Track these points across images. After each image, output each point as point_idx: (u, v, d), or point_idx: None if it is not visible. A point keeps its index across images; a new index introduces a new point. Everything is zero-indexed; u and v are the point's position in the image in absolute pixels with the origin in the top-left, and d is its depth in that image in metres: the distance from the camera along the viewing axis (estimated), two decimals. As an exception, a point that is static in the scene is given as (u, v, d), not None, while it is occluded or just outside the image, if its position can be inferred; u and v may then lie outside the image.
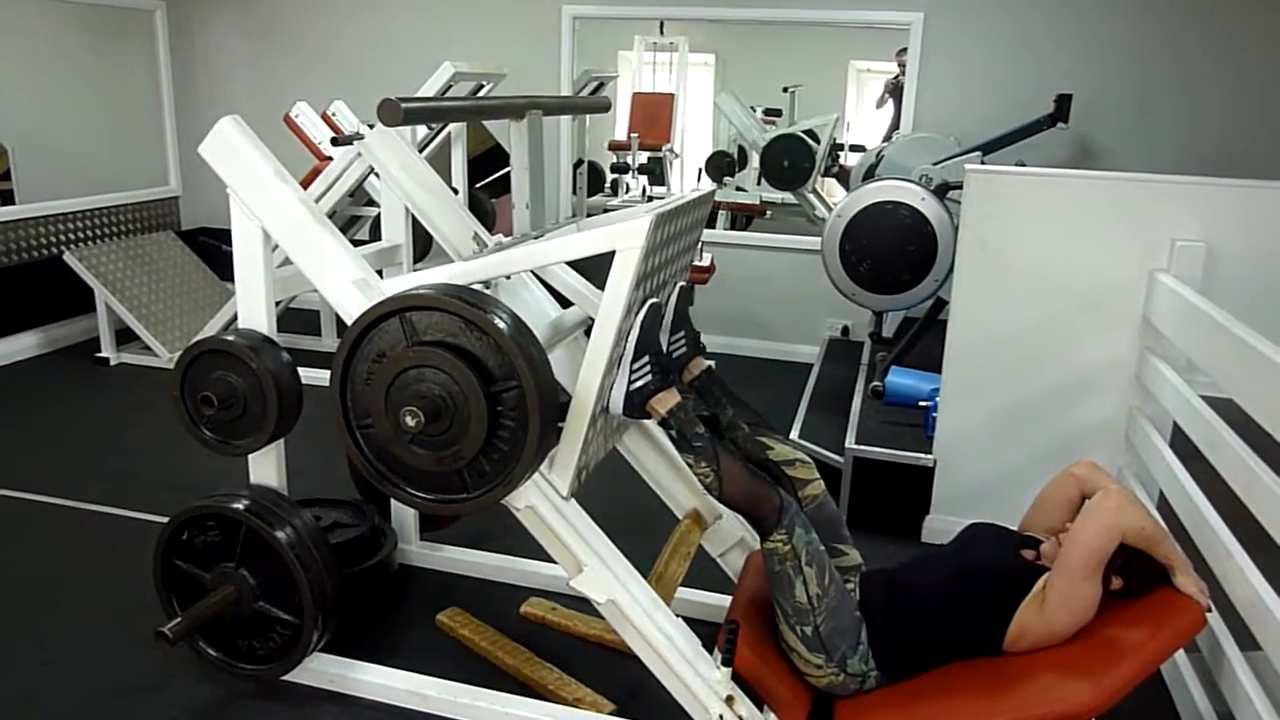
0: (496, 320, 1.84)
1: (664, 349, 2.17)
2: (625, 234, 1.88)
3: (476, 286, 2.03)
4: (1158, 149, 4.62)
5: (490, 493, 1.95)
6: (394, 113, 1.95)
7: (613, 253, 1.90)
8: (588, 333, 2.51)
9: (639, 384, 2.04)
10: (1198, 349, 2.41)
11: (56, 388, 4.62)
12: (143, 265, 5.11)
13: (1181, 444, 2.46)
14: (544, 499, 2.04)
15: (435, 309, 1.87)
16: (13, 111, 5.02)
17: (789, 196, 5.99)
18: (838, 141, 6.03)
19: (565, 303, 2.63)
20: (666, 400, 2.05)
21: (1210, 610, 1.92)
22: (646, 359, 2.04)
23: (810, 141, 5.79)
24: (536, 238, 2.40)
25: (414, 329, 1.89)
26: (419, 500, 2.02)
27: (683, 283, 2.30)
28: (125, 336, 4.95)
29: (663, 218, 1.94)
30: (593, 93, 5.91)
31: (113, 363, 4.90)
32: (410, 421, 1.85)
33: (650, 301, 2.04)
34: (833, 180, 6.15)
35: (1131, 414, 2.91)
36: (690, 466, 2.06)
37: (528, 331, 1.91)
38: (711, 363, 2.36)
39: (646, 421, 2.37)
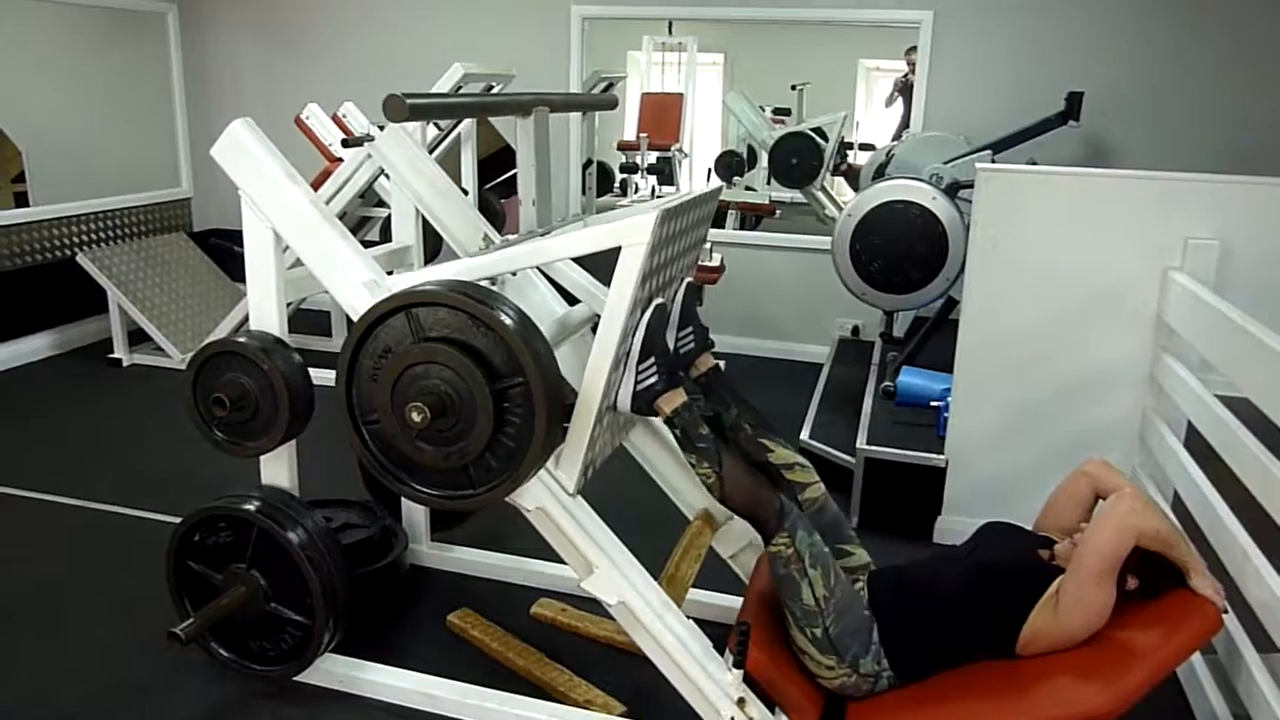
0: (502, 316, 1.84)
1: (671, 347, 2.17)
2: (631, 230, 1.87)
3: (483, 283, 2.03)
4: (1170, 146, 4.59)
5: (496, 489, 1.95)
6: (400, 108, 1.95)
7: (618, 249, 1.90)
8: (594, 329, 2.51)
9: (646, 383, 2.04)
10: (1212, 348, 2.39)
11: (69, 389, 4.64)
12: (155, 267, 5.14)
13: (1196, 444, 2.45)
14: (551, 496, 2.03)
15: (441, 305, 1.87)
16: (27, 115, 5.05)
17: (798, 196, 5.97)
18: (846, 140, 6.01)
19: (572, 300, 2.63)
20: (673, 399, 2.05)
21: (1226, 612, 1.90)
22: (653, 359, 2.04)
23: (818, 139, 5.77)
24: (543, 234, 2.40)
25: (420, 325, 1.89)
26: (425, 495, 2.02)
27: (690, 279, 2.30)
28: (138, 337, 4.97)
29: (668, 213, 1.94)
30: (602, 92, 5.91)
31: (125, 364, 4.93)
32: (416, 417, 1.85)
33: (656, 302, 2.04)
34: (841, 179, 6.13)
35: (1145, 414, 2.89)
36: (693, 466, 2.06)
37: (533, 327, 1.90)
38: (721, 362, 2.36)
39: (655, 421, 2.37)
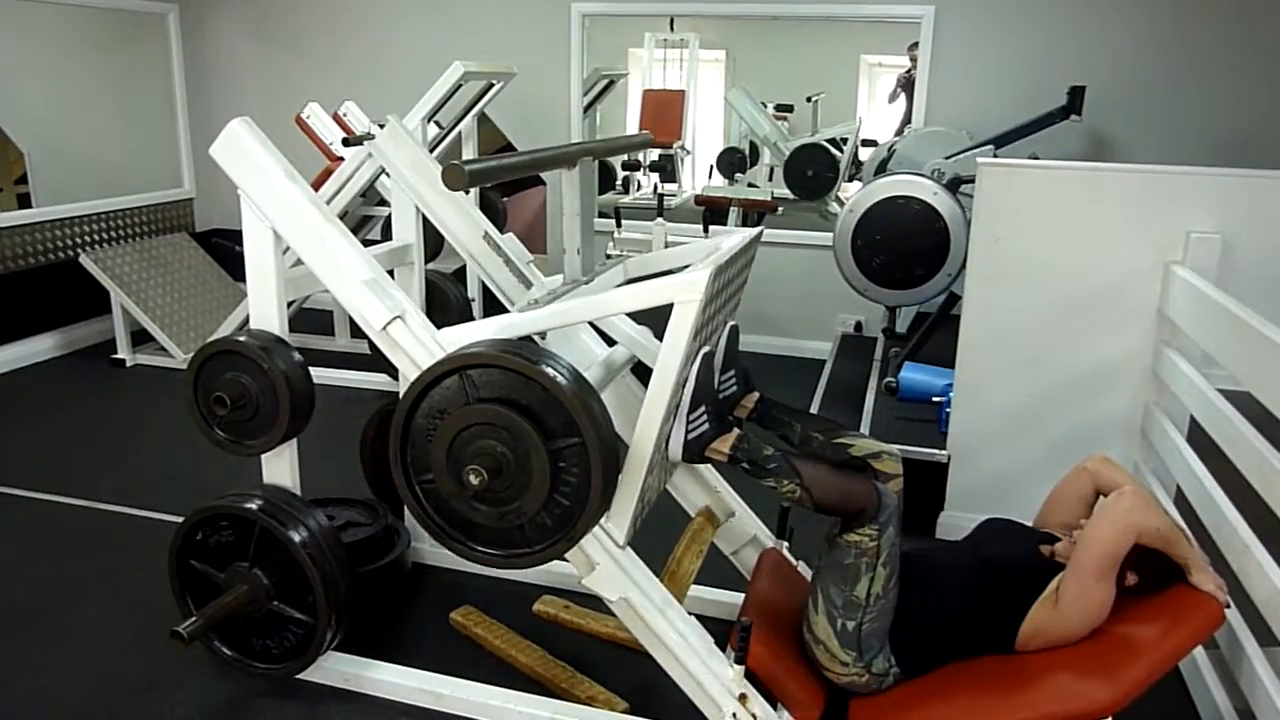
0: (558, 376, 1.82)
1: (717, 392, 2.15)
2: (684, 287, 1.84)
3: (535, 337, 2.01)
4: (1172, 140, 4.57)
5: (553, 547, 1.93)
6: (459, 178, 1.89)
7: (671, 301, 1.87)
8: (634, 370, 2.50)
9: (697, 433, 2.01)
10: (1214, 342, 2.38)
11: (73, 389, 4.65)
12: (158, 267, 5.15)
13: (1199, 439, 2.44)
14: (600, 549, 2.01)
15: (495, 366, 1.85)
16: (30, 116, 5.06)
17: (801, 191, 5.97)
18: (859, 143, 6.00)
19: (607, 338, 2.62)
20: (726, 440, 2.03)
21: (1229, 606, 1.90)
22: (703, 408, 2.01)
23: (834, 151, 5.75)
24: (586, 282, 2.39)
25: (475, 385, 1.88)
26: (481, 555, 1.99)
27: (733, 323, 2.29)
28: (141, 338, 4.98)
29: (720, 269, 1.92)
30: (603, 90, 5.92)
31: (129, 364, 4.94)
32: (474, 480, 1.84)
33: (703, 351, 2.01)
34: (850, 183, 6.12)
35: (1147, 409, 2.89)
36: (773, 490, 2.01)
37: (586, 384, 1.89)
38: (762, 394, 2.34)
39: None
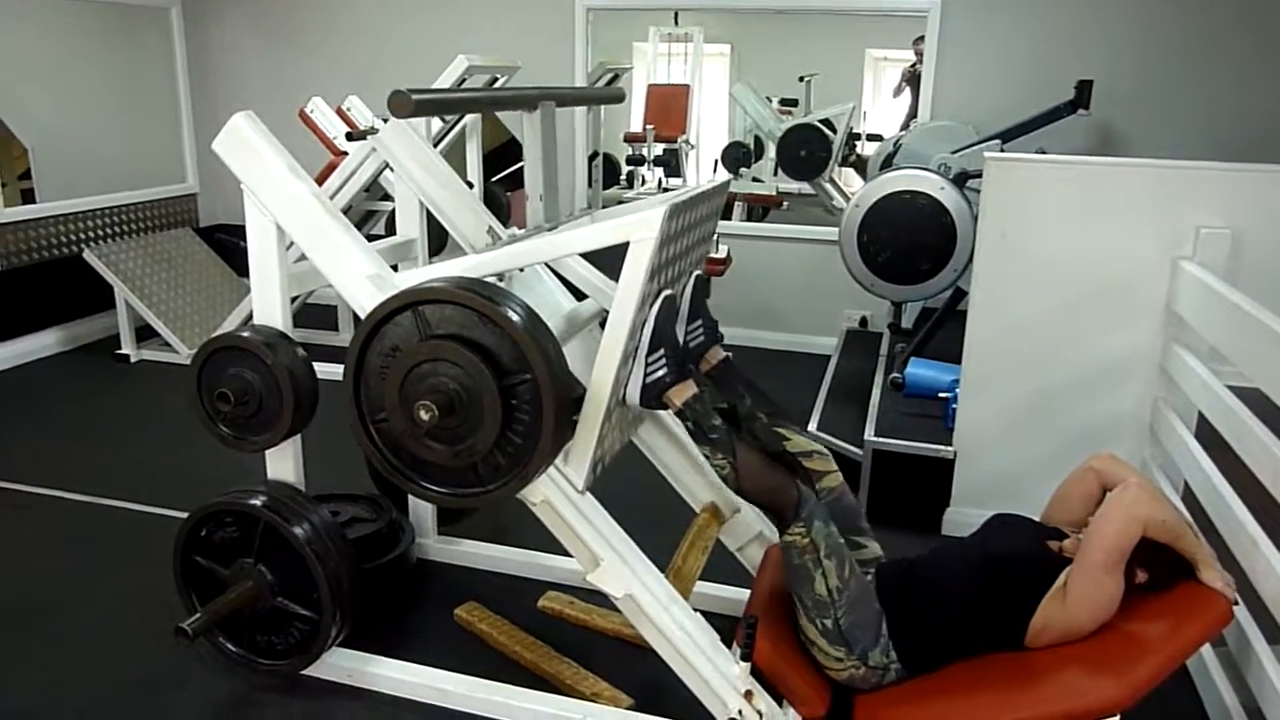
0: (510, 313, 1.83)
1: (680, 340, 2.15)
2: (639, 225, 1.86)
3: (491, 279, 2.02)
4: (1181, 135, 4.55)
5: (505, 486, 1.94)
6: (405, 104, 1.94)
7: (626, 244, 1.88)
8: (602, 325, 2.49)
9: (655, 376, 2.03)
10: (1223, 338, 2.37)
11: (78, 385, 4.65)
12: (161, 262, 5.14)
13: (1207, 434, 2.43)
14: (559, 493, 2.03)
15: (448, 302, 1.87)
16: (33, 111, 5.06)
17: (806, 187, 5.96)
18: (854, 131, 5.98)
19: (579, 294, 2.62)
20: (683, 392, 2.04)
21: (1237, 603, 1.89)
22: (662, 351, 2.02)
23: (827, 131, 5.74)
24: (550, 229, 2.38)
25: (427, 322, 1.89)
26: (433, 494, 2.01)
27: (699, 273, 2.28)
28: (145, 333, 4.99)
29: (677, 208, 1.92)
30: (607, 84, 5.90)
31: (133, 359, 4.94)
32: (424, 416, 1.85)
33: (665, 294, 2.03)
34: (850, 170, 6.10)
35: (1155, 404, 2.87)
36: (707, 458, 2.05)
37: (541, 324, 1.89)
38: (729, 354, 2.35)
39: (663, 414, 2.36)
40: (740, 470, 2.00)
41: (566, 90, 2.74)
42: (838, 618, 1.95)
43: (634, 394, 2.04)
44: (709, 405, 2.07)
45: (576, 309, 2.53)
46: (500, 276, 2.31)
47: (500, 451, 1.92)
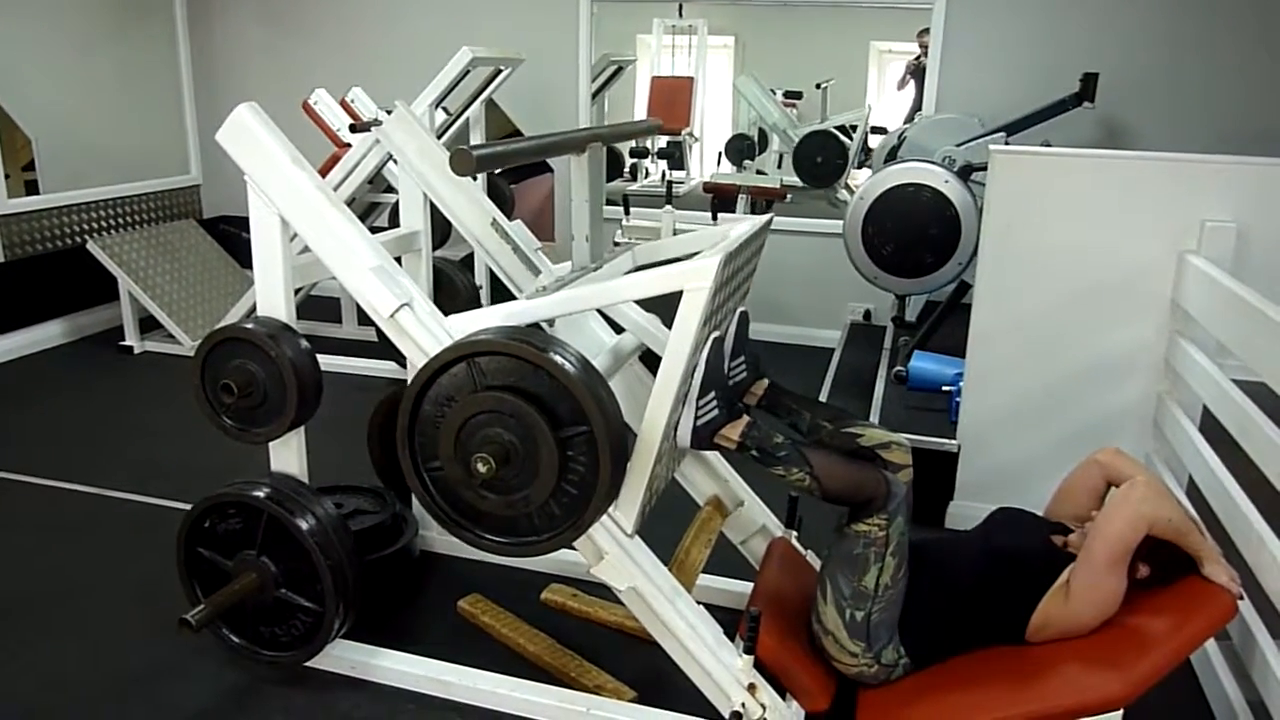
0: (566, 364, 1.81)
1: (727, 378, 2.13)
2: (694, 274, 1.83)
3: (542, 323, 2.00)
4: (1186, 128, 4.53)
5: (560, 536, 1.92)
6: (467, 163, 1.88)
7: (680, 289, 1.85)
8: (642, 358, 2.49)
9: (706, 419, 2.00)
10: (1229, 332, 2.36)
11: (81, 376, 4.66)
12: (165, 254, 5.14)
13: (1212, 429, 2.42)
14: (609, 538, 2.00)
15: (503, 354, 1.84)
16: (37, 102, 5.05)
17: (809, 179, 5.94)
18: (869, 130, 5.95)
19: (615, 325, 2.60)
20: (736, 427, 2.02)
21: (1242, 599, 1.88)
22: (713, 394, 2.00)
23: (843, 138, 5.72)
24: (595, 269, 2.38)
25: (483, 373, 1.87)
26: (489, 543, 1.98)
27: (742, 309, 2.28)
28: (149, 324, 4.99)
29: (731, 256, 1.91)
30: (611, 77, 5.89)
31: (136, 351, 4.94)
32: (482, 468, 1.83)
33: (713, 337, 2.00)
34: (860, 170, 6.08)
35: (1160, 399, 2.86)
36: (783, 479, 2.00)
37: (595, 372, 1.87)
38: (772, 381, 2.33)
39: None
40: (821, 477, 1.96)
41: (608, 129, 2.77)
42: (871, 612, 1.94)
43: (685, 436, 2.00)
44: (766, 429, 2.03)
45: (619, 344, 2.49)
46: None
47: (555, 502, 1.90)
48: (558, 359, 1.81)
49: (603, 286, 2.06)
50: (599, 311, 2.62)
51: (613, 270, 2.44)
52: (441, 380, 1.90)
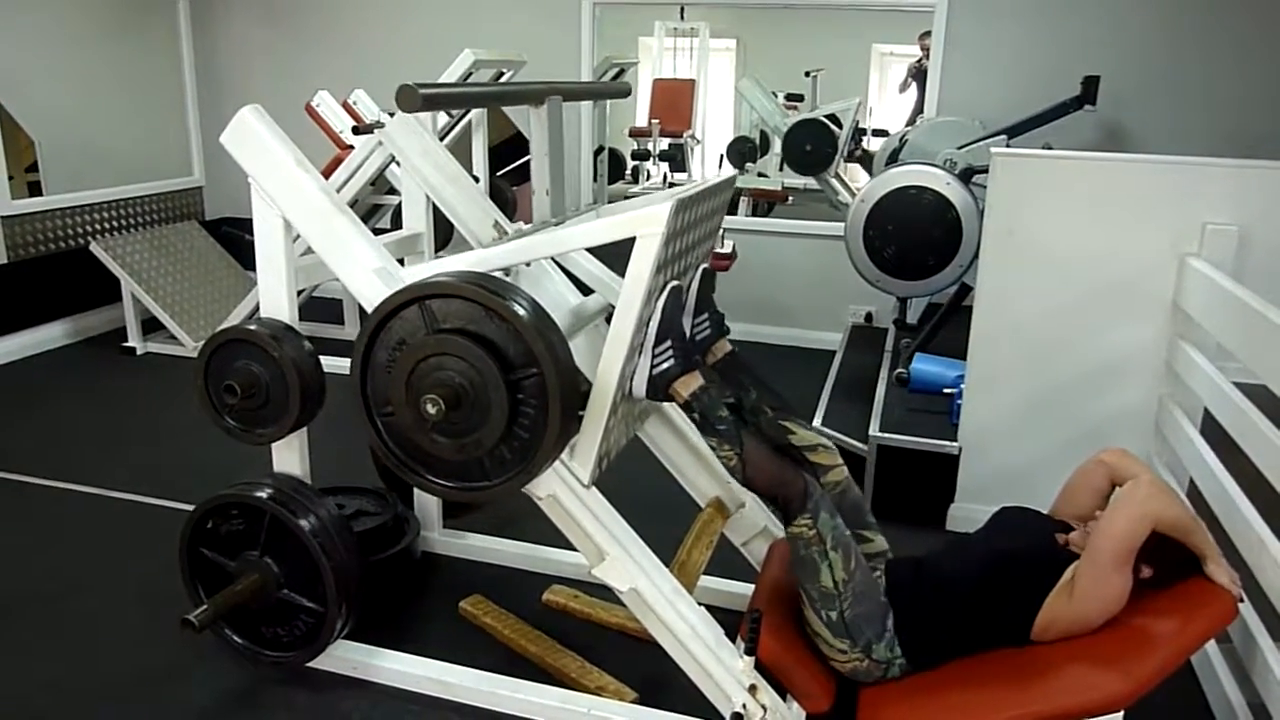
0: (516, 307, 1.84)
1: (687, 333, 2.16)
2: (646, 220, 1.86)
3: (497, 274, 2.02)
4: (1188, 131, 4.53)
5: (511, 480, 1.95)
6: (413, 98, 1.94)
7: (633, 239, 1.89)
8: (609, 320, 2.50)
9: (662, 367, 2.03)
10: (1230, 335, 2.36)
11: (84, 377, 4.67)
12: (168, 255, 5.15)
13: (1213, 432, 2.42)
14: (565, 487, 2.03)
15: (454, 296, 1.87)
16: (40, 104, 5.06)
17: (811, 182, 5.95)
18: (860, 126, 5.97)
19: (586, 290, 2.62)
20: (689, 383, 2.04)
21: (1243, 600, 1.89)
22: (669, 343, 2.03)
23: (832, 126, 5.73)
24: (557, 224, 2.39)
25: (434, 316, 1.89)
26: (440, 487, 2.02)
27: (705, 266, 2.29)
28: (151, 326, 5.00)
29: (684, 203, 1.93)
30: (613, 79, 5.89)
31: (139, 352, 4.95)
32: (431, 410, 1.85)
33: (671, 285, 2.03)
34: (855, 165, 6.09)
35: (1162, 401, 2.87)
36: (713, 449, 2.05)
37: (548, 318, 1.90)
38: (735, 348, 2.35)
39: (668, 408, 2.36)
40: (747, 462, 2.01)
41: (573, 85, 2.75)
42: (843, 609, 1.95)
43: (640, 385, 2.04)
44: (716, 397, 2.07)
45: (583, 304, 2.53)
46: (506, 271, 2.32)
47: (506, 446, 1.92)
48: (507, 301, 1.83)
49: (556, 233, 2.09)
50: (565, 272, 2.64)
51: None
52: (393, 324, 1.93)
